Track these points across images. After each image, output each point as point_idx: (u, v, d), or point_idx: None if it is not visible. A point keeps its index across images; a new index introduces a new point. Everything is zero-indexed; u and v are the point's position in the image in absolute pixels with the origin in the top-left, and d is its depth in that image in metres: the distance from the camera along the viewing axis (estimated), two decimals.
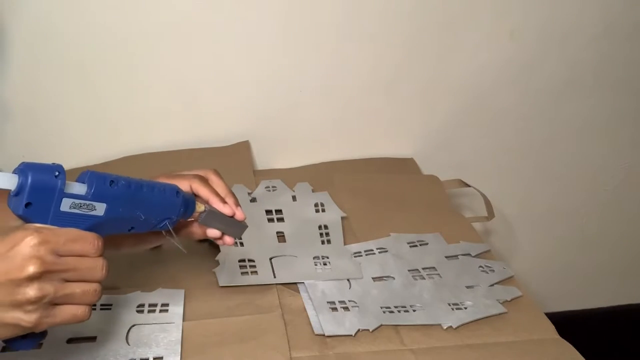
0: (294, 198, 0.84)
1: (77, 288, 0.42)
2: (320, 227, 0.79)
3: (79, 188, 0.43)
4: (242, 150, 0.94)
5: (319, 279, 0.70)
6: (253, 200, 0.83)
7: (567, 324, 0.72)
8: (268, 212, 0.80)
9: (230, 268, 0.70)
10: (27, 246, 0.39)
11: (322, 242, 0.76)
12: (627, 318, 1.38)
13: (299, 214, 0.81)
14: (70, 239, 0.42)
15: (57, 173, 0.41)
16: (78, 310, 0.43)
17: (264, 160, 0.98)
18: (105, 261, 0.44)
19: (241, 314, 0.64)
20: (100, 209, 0.44)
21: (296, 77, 0.93)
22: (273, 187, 0.86)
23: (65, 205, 0.42)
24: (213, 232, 0.58)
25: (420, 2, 0.90)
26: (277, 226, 0.78)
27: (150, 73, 0.89)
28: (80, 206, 0.43)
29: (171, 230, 0.52)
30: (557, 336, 0.65)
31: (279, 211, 0.81)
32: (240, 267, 0.70)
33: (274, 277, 0.70)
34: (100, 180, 0.44)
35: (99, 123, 0.92)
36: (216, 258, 0.71)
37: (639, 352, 1.31)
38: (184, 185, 0.56)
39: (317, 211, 0.82)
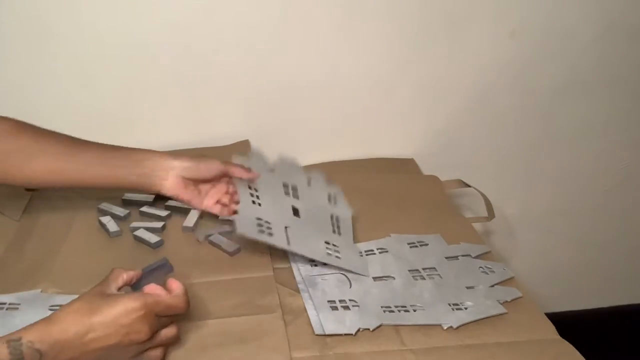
0: (309, 182, 0.79)
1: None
2: (332, 217, 0.78)
3: None
4: (242, 150, 0.94)
5: (329, 262, 0.70)
6: (271, 170, 0.79)
7: (567, 324, 0.72)
8: (284, 186, 0.77)
9: (248, 219, 0.69)
10: (141, 319, 0.53)
11: (334, 231, 0.76)
12: (627, 318, 1.38)
13: (313, 198, 0.78)
14: (166, 307, 0.55)
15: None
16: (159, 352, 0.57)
17: None
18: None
19: (241, 314, 0.64)
20: None
21: (296, 77, 0.93)
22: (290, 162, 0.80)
23: None
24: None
25: (421, 2, 0.90)
26: (293, 201, 0.76)
27: (150, 73, 0.89)
28: None
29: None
30: (557, 336, 0.65)
31: (294, 188, 0.78)
32: (258, 225, 0.70)
33: (288, 243, 0.70)
34: None
35: (99, 123, 0.92)
36: (235, 207, 0.72)
37: (639, 352, 1.31)
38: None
39: (329, 201, 0.80)
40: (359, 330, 0.63)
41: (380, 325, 0.63)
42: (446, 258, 0.76)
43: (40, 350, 0.49)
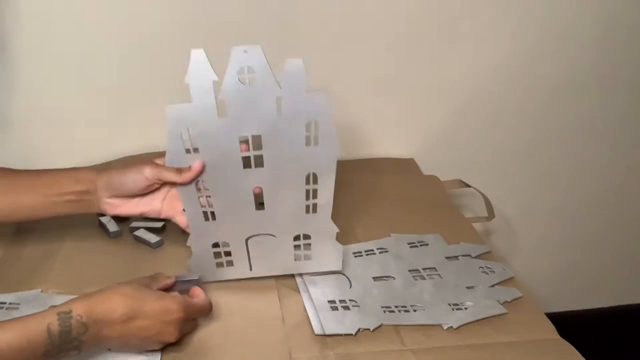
0: (278, 104, 0.59)
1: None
2: (307, 179, 0.62)
3: None
4: None
5: (297, 271, 0.70)
6: (221, 114, 0.59)
7: (567, 324, 0.72)
8: (242, 141, 0.60)
9: (204, 258, 0.67)
10: (177, 321, 0.56)
11: (307, 210, 0.64)
12: (627, 318, 1.38)
13: (282, 147, 0.60)
14: (197, 311, 0.61)
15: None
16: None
17: None
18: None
19: (241, 315, 0.64)
20: None
21: None
22: (249, 69, 0.58)
23: None
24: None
25: (420, 2, 0.90)
26: (255, 176, 0.62)
27: (150, 72, 0.88)
28: None
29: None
30: (557, 336, 0.65)
31: (256, 140, 0.59)
32: (215, 255, 0.67)
33: (250, 269, 0.68)
34: None
35: (99, 123, 0.92)
36: (187, 243, 0.66)
37: (639, 352, 1.31)
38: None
39: (307, 142, 0.61)
40: (359, 330, 0.63)
41: (380, 326, 0.63)
42: (446, 258, 0.76)
43: (87, 325, 0.51)
